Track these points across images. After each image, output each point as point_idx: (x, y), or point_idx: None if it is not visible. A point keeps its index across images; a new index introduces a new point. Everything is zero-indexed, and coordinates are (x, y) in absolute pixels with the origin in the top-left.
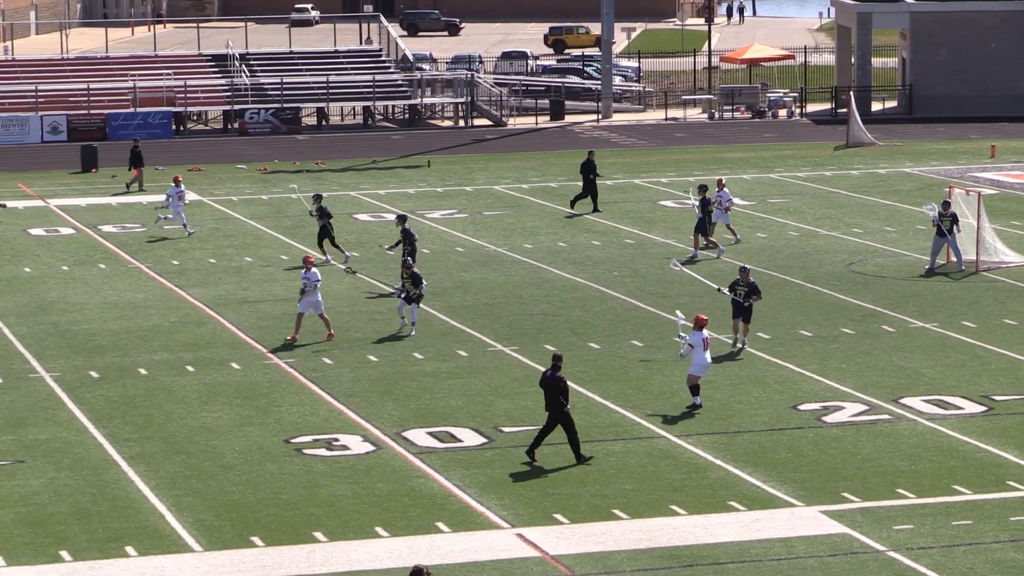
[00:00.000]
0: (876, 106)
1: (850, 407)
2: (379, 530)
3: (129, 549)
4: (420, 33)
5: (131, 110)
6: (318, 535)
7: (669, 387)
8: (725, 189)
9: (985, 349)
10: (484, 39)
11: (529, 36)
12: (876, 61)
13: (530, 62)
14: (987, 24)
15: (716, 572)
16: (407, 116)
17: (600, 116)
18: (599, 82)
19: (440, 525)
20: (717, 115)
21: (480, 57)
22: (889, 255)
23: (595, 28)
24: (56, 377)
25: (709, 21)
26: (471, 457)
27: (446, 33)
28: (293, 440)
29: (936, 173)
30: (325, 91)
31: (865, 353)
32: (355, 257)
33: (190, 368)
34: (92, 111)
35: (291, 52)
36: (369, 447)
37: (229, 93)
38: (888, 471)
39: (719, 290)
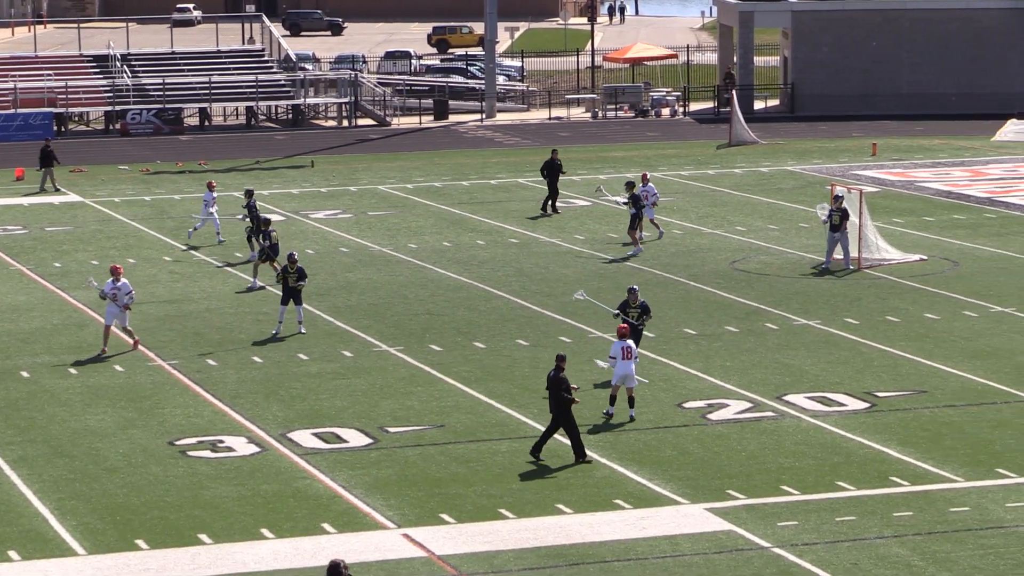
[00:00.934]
0: (759, 104)
1: (735, 404)
2: (265, 531)
3: (12, 553)
4: (303, 33)
5: (12, 111)
6: (203, 537)
7: None
8: (650, 184)
9: (868, 346)
10: (368, 39)
11: (413, 36)
12: (758, 60)
13: (414, 62)
14: (868, 23)
15: (602, 570)
16: (290, 116)
17: (484, 116)
18: (483, 82)
19: (326, 526)
20: (601, 114)
21: (364, 57)
22: (772, 253)
23: (478, 28)
24: None
25: (592, 20)
26: (356, 457)
27: (329, 33)
28: (177, 442)
29: (818, 171)
30: (208, 91)
31: (749, 351)
32: (238, 257)
33: (72, 371)
34: None
35: (173, 52)
36: (254, 448)
37: (111, 94)
38: (772, 468)
39: (615, 315)
